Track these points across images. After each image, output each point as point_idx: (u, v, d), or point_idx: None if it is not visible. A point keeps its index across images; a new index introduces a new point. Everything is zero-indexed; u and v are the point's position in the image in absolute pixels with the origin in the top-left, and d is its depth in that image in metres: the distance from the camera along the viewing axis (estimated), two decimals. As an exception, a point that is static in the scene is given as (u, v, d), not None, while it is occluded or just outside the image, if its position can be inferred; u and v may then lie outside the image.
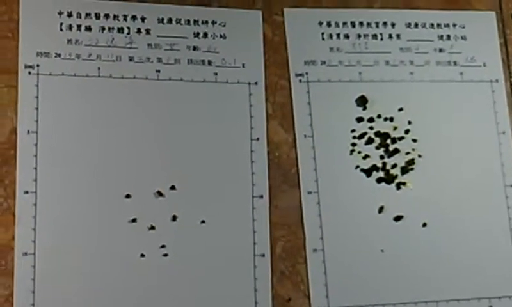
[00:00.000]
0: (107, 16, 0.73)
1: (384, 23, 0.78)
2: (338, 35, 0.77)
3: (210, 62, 0.74)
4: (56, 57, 0.71)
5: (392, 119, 0.75)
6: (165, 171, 0.70)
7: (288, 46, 0.76)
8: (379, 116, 0.75)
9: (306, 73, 0.75)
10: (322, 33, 0.77)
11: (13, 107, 0.69)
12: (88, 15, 0.72)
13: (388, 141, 0.74)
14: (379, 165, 0.74)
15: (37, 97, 0.70)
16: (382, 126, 0.75)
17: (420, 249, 0.72)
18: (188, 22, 0.75)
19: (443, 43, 0.78)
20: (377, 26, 0.78)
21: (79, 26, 0.72)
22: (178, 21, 0.74)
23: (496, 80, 0.78)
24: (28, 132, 0.69)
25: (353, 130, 0.74)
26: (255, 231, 0.70)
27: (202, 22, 0.75)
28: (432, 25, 0.78)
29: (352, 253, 0.71)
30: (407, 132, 0.75)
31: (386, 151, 0.74)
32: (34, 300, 0.65)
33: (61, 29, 0.72)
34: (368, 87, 0.75)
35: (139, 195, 0.69)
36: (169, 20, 0.74)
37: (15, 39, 0.70)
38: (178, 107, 0.72)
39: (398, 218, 0.72)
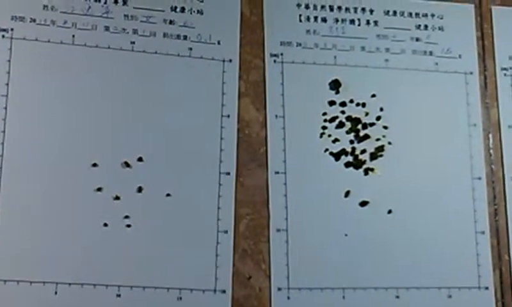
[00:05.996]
0: (84, -16, 0.73)
1: (363, 9, 0.77)
2: (315, 18, 0.77)
3: (185, 37, 0.74)
4: (30, 22, 0.71)
5: (364, 105, 0.75)
6: (133, 142, 0.70)
7: (265, 26, 0.75)
8: (351, 101, 0.75)
9: (282, 54, 0.75)
10: (300, 15, 0.76)
11: (-16, 69, 0.69)
12: (65, -19, 0.72)
13: (359, 126, 0.74)
14: (349, 149, 0.74)
15: (9, 61, 0.70)
16: (354, 111, 0.75)
17: (384, 235, 0.72)
18: (165, -5, 0.74)
19: (420, 32, 0.78)
20: (355, 11, 0.77)
21: (55, -8, 0.72)
22: (156, -7, 0.74)
23: (471, 73, 0.78)
24: (-2, 95, 0.69)
25: (325, 113, 0.74)
26: (220, 208, 0.70)
27: (180, -4, 0.75)
28: (410, 14, 0.78)
29: (315, 235, 0.71)
30: (378, 118, 0.75)
31: (357, 136, 0.74)
32: (-6, 262, 0.66)
33: (38, -6, 0.72)
34: (342, 72, 0.75)
35: (106, 164, 0.69)
36: (147, -8, 0.74)
37: (-11, 3, 0.70)
38: (151, 80, 0.72)
39: (364, 203, 0.72)
